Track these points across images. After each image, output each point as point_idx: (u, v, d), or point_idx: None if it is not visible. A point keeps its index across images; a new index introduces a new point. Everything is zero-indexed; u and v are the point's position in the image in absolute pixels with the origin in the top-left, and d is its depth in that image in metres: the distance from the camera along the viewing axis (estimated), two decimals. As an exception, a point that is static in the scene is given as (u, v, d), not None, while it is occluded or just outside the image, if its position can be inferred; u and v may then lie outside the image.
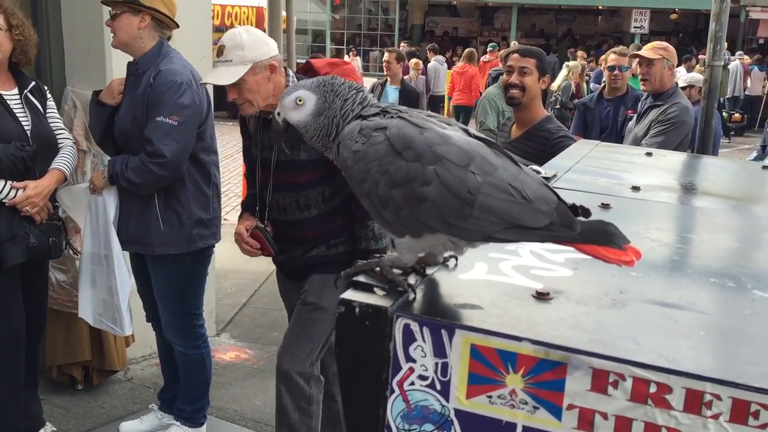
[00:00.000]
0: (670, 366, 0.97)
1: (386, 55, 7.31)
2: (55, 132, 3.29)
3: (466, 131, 1.27)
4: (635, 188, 1.99)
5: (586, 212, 1.21)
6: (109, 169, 3.13)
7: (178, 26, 3.25)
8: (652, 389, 0.98)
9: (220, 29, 11.77)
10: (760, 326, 1.15)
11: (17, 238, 3.07)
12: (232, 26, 14.60)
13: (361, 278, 1.21)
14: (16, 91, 3.18)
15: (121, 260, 3.30)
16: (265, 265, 6.40)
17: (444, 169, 1.17)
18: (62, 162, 3.26)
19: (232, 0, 13.55)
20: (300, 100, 1.36)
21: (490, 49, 16.85)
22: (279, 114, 1.41)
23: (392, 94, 7.03)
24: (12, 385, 3.25)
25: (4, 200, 3.02)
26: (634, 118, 4.67)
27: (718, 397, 0.95)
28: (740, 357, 1.03)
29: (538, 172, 2.02)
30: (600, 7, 24.54)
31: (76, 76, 4.01)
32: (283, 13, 7.53)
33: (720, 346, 1.08)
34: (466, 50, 14.94)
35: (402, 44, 17.40)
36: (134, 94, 3.12)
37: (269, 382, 4.32)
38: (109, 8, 3.15)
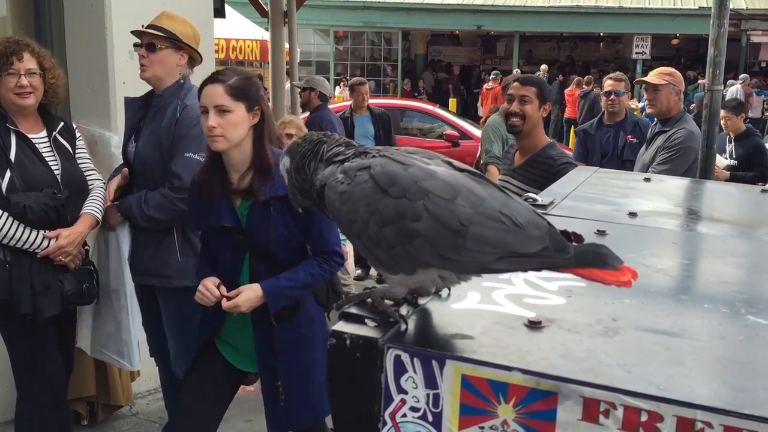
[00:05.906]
0: (661, 394, 0.97)
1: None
2: (85, 173, 3.23)
3: (450, 164, 1.27)
4: (632, 214, 1.99)
5: (579, 238, 1.21)
6: (124, 209, 3.14)
7: (202, 61, 3.30)
8: (644, 418, 0.97)
9: (224, 63, 11.88)
10: (752, 352, 1.15)
11: (51, 288, 3.01)
12: (236, 59, 14.81)
13: (353, 309, 1.21)
14: (44, 133, 3.10)
15: (134, 295, 3.29)
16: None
17: (432, 203, 1.17)
18: (93, 206, 3.18)
19: (236, 34, 13.66)
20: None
21: (493, 76, 17.07)
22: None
23: (366, 122, 6.78)
24: None
25: (36, 251, 2.97)
26: (645, 145, 4.66)
27: (710, 425, 0.94)
28: (731, 383, 1.03)
29: (536, 200, 2.04)
30: (601, 34, 24.69)
31: (80, 112, 4.05)
32: (286, 46, 7.62)
33: (711, 372, 1.07)
34: (576, 78, 17.30)
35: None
36: (156, 126, 3.14)
37: (274, 414, 4.29)
38: (137, 38, 3.17)
